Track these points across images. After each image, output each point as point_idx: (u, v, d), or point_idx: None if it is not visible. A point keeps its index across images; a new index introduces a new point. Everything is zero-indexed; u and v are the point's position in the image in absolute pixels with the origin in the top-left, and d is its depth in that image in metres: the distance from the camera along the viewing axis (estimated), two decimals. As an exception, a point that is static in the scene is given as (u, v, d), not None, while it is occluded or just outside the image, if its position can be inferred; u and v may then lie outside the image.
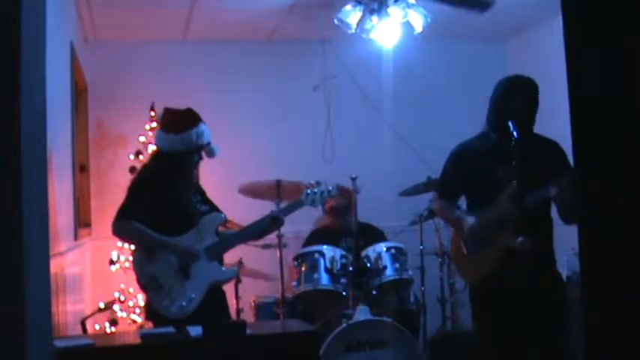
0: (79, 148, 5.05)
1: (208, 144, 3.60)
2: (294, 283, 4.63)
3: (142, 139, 5.42)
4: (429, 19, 4.44)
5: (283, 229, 4.24)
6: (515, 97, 3.19)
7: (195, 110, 3.63)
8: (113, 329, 5.01)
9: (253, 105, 6.09)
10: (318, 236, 5.17)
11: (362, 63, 5.82)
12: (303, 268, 4.62)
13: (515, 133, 3.01)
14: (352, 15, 4.45)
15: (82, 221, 5.11)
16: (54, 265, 3.25)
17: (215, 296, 3.59)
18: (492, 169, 3.24)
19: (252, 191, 4.74)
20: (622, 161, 1.22)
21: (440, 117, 6.12)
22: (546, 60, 4.83)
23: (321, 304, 4.65)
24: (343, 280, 4.51)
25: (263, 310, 4.83)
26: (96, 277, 5.55)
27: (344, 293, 4.49)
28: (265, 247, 4.76)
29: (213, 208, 3.72)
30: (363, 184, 4.64)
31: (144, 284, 3.49)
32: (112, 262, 5.25)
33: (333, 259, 4.57)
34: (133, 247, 3.91)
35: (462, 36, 6.20)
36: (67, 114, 4.40)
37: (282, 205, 4.14)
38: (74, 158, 4.60)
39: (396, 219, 5.42)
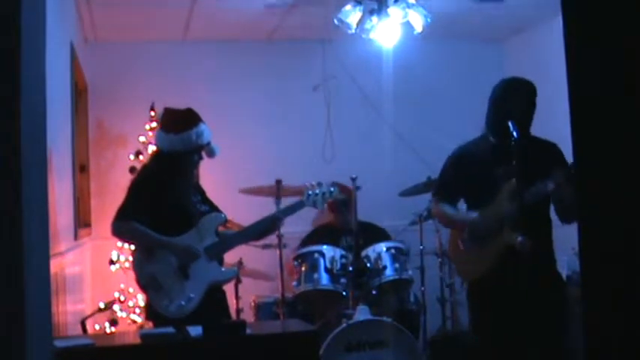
0: (79, 148, 5.05)
1: (208, 144, 3.61)
2: (294, 283, 4.63)
3: (142, 139, 5.42)
4: (429, 19, 4.44)
5: (283, 229, 4.24)
6: (513, 99, 3.19)
7: (195, 110, 3.63)
8: (113, 329, 5.01)
9: (253, 105, 6.09)
10: (317, 235, 5.17)
11: (362, 63, 5.81)
12: (303, 268, 4.62)
13: (515, 134, 3.01)
14: (352, 15, 4.45)
15: (82, 221, 5.11)
16: (54, 265, 3.25)
17: (215, 296, 3.59)
18: (491, 171, 3.24)
19: (252, 193, 4.74)
20: (622, 161, 1.22)
21: (440, 117, 6.12)
22: (546, 60, 4.83)
23: (321, 304, 4.65)
24: (343, 280, 4.51)
25: (263, 310, 4.83)
26: (96, 277, 5.55)
27: (344, 293, 4.49)
28: (265, 247, 4.76)
29: (213, 208, 3.72)
30: (363, 184, 4.64)
31: (143, 284, 3.49)
32: (112, 262, 5.25)
33: (333, 259, 4.57)
34: (132, 247, 3.91)
35: (461, 36, 6.20)
36: (67, 114, 4.39)
37: (283, 205, 4.13)
38: (74, 158, 4.60)
39: (396, 219, 5.42)
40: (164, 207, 3.50)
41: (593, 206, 1.30)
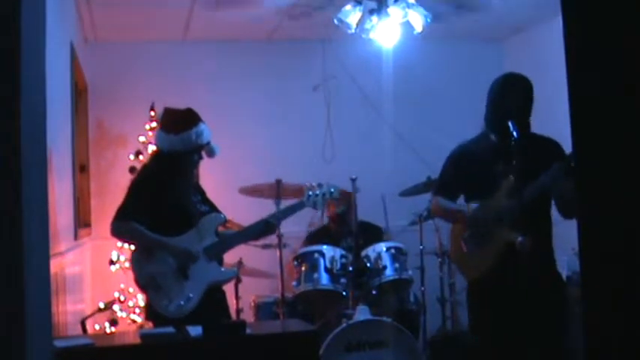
0: (79, 148, 5.05)
1: (208, 144, 3.61)
2: (294, 283, 4.63)
3: (142, 139, 5.42)
4: (428, 19, 4.44)
5: (283, 229, 4.24)
6: (511, 94, 3.19)
7: (195, 110, 3.63)
8: (113, 329, 5.01)
9: (253, 105, 6.09)
10: (318, 236, 5.17)
11: (362, 63, 5.82)
12: (303, 268, 4.62)
13: (514, 133, 3.01)
14: (352, 15, 4.45)
15: (82, 221, 5.11)
16: (54, 265, 3.25)
17: (215, 296, 3.59)
18: (491, 169, 3.24)
19: (252, 192, 4.74)
20: (622, 161, 1.22)
21: (440, 117, 6.12)
22: (545, 60, 4.83)
23: (321, 304, 4.65)
24: (343, 280, 4.51)
25: (263, 310, 4.83)
26: (96, 277, 5.55)
27: (344, 293, 4.49)
28: (265, 246, 4.76)
29: (213, 209, 3.72)
30: (363, 184, 4.64)
31: (143, 284, 3.49)
32: (111, 262, 5.25)
33: (333, 259, 4.57)
34: (132, 247, 3.91)
35: (461, 36, 6.20)
36: (67, 114, 4.39)
37: (283, 205, 4.13)
38: (74, 158, 4.60)
39: (396, 219, 5.42)
40: (164, 207, 3.50)
41: (593, 206, 1.30)
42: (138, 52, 5.95)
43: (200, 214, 3.62)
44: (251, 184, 4.73)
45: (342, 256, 4.60)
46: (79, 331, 4.17)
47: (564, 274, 4.05)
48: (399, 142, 6.03)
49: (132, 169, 5.12)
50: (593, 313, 1.30)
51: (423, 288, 4.99)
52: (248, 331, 3.01)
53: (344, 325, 4.14)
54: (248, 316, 4.84)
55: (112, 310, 5.05)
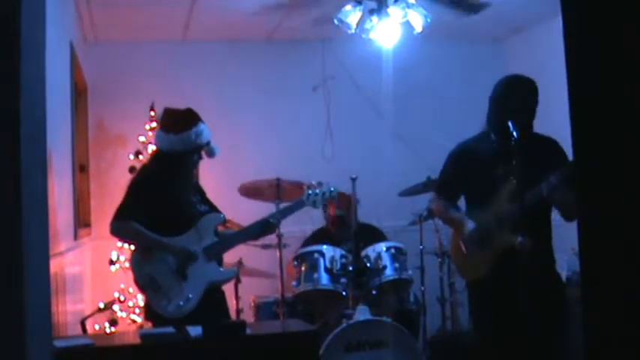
0: (79, 148, 5.05)
1: (208, 144, 3.61)
2: (294, 283, 4.63)
3: (141, 139, 5.42)
4: (428, 19, 4.44)
5: (283, 229, 4.24)
6: (515, 96, 3.18)
7: (195, 110, 3.63)
8: (113, 329, 5.01)
9: (253, 105, 6.09)
10: (318, 237, 5.17)
11: (362, 63, 5.82)
12: (303, 268, 4.62)
13: (514, 134, 3.00)
14: (352, 15, 4.45)
15: (81, 221, 5.10)
16: (54, 265, 3.25)
17: (214, 296, 3.59)
18: (492, 168, 3.24)
19: (252, 191, 4.74)
20: (622, 161, 1.22)
21: (440, 117, 6.12)
22: (545, 60, 4.83)
23: (321, 304, 4.65)
24: (343, 280, 4.51)
25: (263, 310, 4.82)
26: (96, 277, 5.55)
27: (344, 293, 4.49)
28: (265, 247, 4.76)
29: (213, 208, 3.72)
30: (363, 184, 4.64)
31: (142, 284, 3.49)
32: (111, 262, 5.25)
33: (333, 259, 4.57)
34: (132, 247, 3.92)
35: (461, 36, 6.20)
36: (67, 114, 4.39)
37: (283, 205, 4.13)
38: (74, 158, 4.60)
39: (396, 219, 5.42)
40: (163, 207, 3.50)
41: (593, 206, 1.30)
42: (138, 52, 5.95)
43: (199, 214, 3.62)
44: (251, 182, 4.73)
45: (342, 256, 4.60)
46: (79, 331, 4.17)
47: (564, 274, 4.05)
48: (398, 142, 6.03)
49: (132, 169, 5.12)
50: (593, 313, 1.30)
51: (423, 288, 4.99)
52: (248, 331, 3.01)
53: (344, 325, 4.14)
54: (248, 316, 4.84)
55: (112, 310, 5.05)
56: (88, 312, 4.68)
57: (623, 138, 1.22)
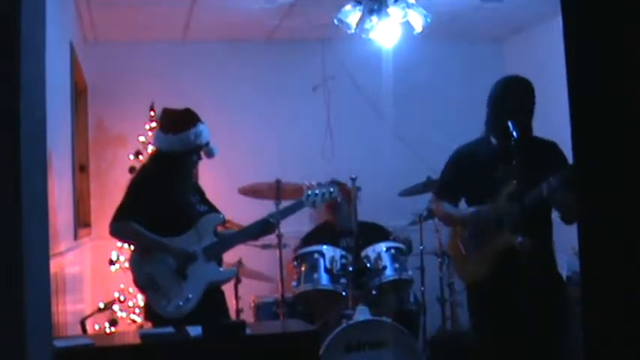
0: (79, 148, 5.05)
1: (207, 144, 3.61)
2: (294, 283, 4.63)
3: (141, 139, 5.42)
4: (428, 19, 4.44)
5: (283, 229, 4.24)
6: (512, 97, 3.18)
7: (194, 110, 3.63)
8: (113, 329, 5.01)
9: (253, 105, 6.09)
10: (317, 235, 5.16)
11: (362, 63, 5.81)
12: (302, 268, 4.62)
13: (514, 134, 3.00)
14: (352, 15, 4.45)
15: (81, 221, 5.11)
16: (54, 265, 3.25)
17: (214, 296, 3.59)
18: (492, 170, 3.23)
19: (252, 192, 4.73)
20: (622, 161, 1.22)
21: (440, 117, 6.12)
22: (545, 60, 4.83)
23: (321, 304, 4.65)
24: (343, 280, 4.51)
25: (263, 310, 4.82)
26: (96, 277, 5.55)
27: (344, 293, 4.49)
28: (265, 247, 4.76)
29: (212, 209, 3.72)
30: (363, 184, 4.64)
31: (141, 285, 3.49)
32: (111, 262, 5.25)
33: (332, 259, 4.57)
34: (132, 247, 3.92)
35: (461, 36, 6.20)
36: (67, 114, 4.39)
37: (282, 205, 4.13)
38: (74, 158, 4.60)
39: (396, 219, 5.42)
40: (163, 207, 3.50)
41: (593, 206, 1.30)
42: (138, 52, 5.95)
43: (199, 214, 3.62)
44: (251, 184, 4.73)
45: (342, 257, 4.60)
46: (78, 331, 4.17)
47: (564, 274, 4.04)
48: (398, 142, 6.03)
49: (132, 169, 5.12)
50: (593, 313, 1.30)
51: (422, 288, 4.99)
52: (248, 331, 3.01)
53: (344, 325, 4.14)
54: (248, 316, 4.84)
55: (112, 310, 5.05)
56: (88, 312, 4.68)
57: (623, 138, 1.22)
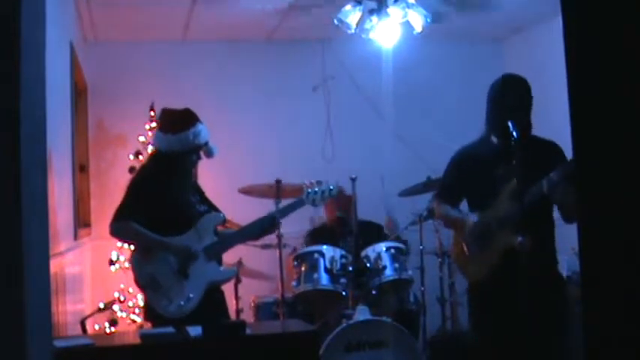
0: (78, 148, 5.05)
1: (206, 144, 3.61)
2: (294, 283, 4.63)
3: (141, 139, 5.42)
4: (428, 19, 4.44)
5: (283, 229, 4.24)
6: (512, 93, 3.19)
7: (193, 110, 3.63)
8: (113, 329, 5.01)
9: (253, 105, 6.09)
10: (317, 235, 5.17)
11: (362, 63, 5.81)
12: (302, 268, 4.62)
13: (514, 133, 3.01)
14: (352, 15, 4.45)
15: (81, 221, 5.11)
16: (54, 265, 3.25)
17: (214, 296, 3.59)
18: (493, 170, 3.24)
19: (252, 192, 4.73)
20: (622, 161, 1.22)
21: (440, 117, 6.12)
22: (545, 60, 4.83)
23: (321, 304, 4.65)
24: (343, 280, 4.51)
25: (263, 310, 4.82)
26: (96, 277, 5.55)
27: (344, 293, 4.49)
28: (265, 247, 4.76)
29: (212, 208, 3.72)
30: (363, 184, 4.64)
31: (142, 284, 3.49)
32: (111, 262, 5.25)
33: (332, 259, 4.57)
34: (132, 247, 3.92)
35: (461, 36, 6.20)
36: (67, 114, 4.40)
37: (282, 204, 4.13)
38: (74, 158, 4.60)
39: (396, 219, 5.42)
40: (162, 207, 3.50)
41: (593, 206, 1.30)
42: (138, 52, 5.95)
43: (199, 214, 3.62)
44: (251, 184, 4.73)
45: (342, 256, 4.60)
46: (78, 331, 4.17)
47: (564, 274, 4.04)
48: (398, 142, 6.03)
49: (132, 169, 5.12)
50: (593, 313, 1.30)
51: (422, 288, 4.98)
52: (248, 331, 3.01)
53: (344, 325, 4.14)
54: (248, 316, 4.84)
55: (112, 310, 5.05)
56: (88, 312, 4.68)
57: (623, 138, 1.22)
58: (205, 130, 3.60)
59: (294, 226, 4.85)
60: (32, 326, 1.35)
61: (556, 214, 3.25)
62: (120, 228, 3.48)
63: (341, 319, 4.29)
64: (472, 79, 5.75)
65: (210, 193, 3.84)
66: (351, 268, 4.46)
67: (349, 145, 6.12)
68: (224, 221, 3.76)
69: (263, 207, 4.19)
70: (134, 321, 5.13)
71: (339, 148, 6.13)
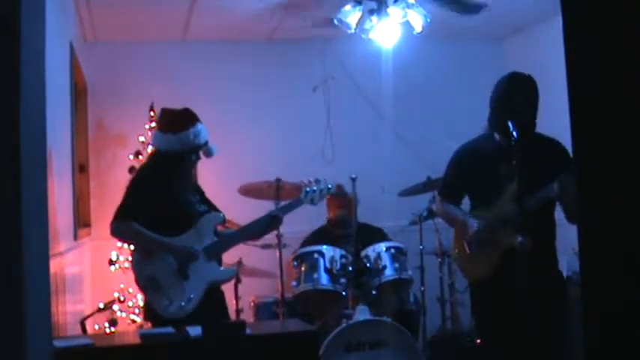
0: (78, 148, 5.05)
1: (206, 143, 3.60)
2: (294, 283, 4.63)
3: (141, 139, 5.42)
4: (428, 19, 4.44)
5: (283, 229, 4.24)
6: (518, 92, 3.18)
7: (193, 110, 3.63)
8: (113, 329, 5.01)
9: (253, 105, 6.09)
10: (317, 235, 5.16)
11: (362, 63, 5.81)
12: (302, 268, 4.62)
13: (514, 133, 3.00)
14: (352, 15, 4.45)
15: (81, 221, 5.10)
16: (54, 265, 3.25)
17: (214, 296, 3.58)
18: (495, 170, 3.23)
19: (252, 191, 4.73)
20: (622, 161, 1.22)
21: (440, 117, 6.12)
22: (546, 59, 4.83)
23: (321, 304, 4.65)
24: (343, 280, 4.51)
25: (263, 310, 4.83)
26: (95, 277, 5.55)
27: (344, 293, 4.49)
28: (265, 247, 4.76)
29: (212, 208, 3.72)
30: (363, 184, 4.64)
31: (143, 285, 3.49)
32: (111, 263, 5.25)
33: (332, 259, 4.57)
34: (132, 247, 3.92)
35: (461, 36, 6.20)
36: (67, 114, 4.39)
37: (282, 204, 4.13)
38: (74, 158, 4.60)
39: (396, 219, 5.42)
40: (162, 207, 3.50)
41: (593, 206, 1.30)
42: (138, 52, 5.95)
43: (199, 214, 3.61)
44: (250, 184, 4.73)
45: (341, 256, 4.60)
46: (78, 331, 4.17)
47: (564, 274, 4.04)
48: (398, 142, 6.04)
49: (132, 169, 5.12)
50: (593, 313, 1.30)
51: (422, 288, 4.98)
52: (248, 331, 3.01)
53: (344, 325, 4.14)
54: (248, 316, 4.84)
55: (112, 310, 5.05)
56: (87, 312, 4.67)
57: (623, 138, 1.22)
58: (205, 130, 3.60)
59: (294, 226, 4.85)
60: (32, 326, 1.35)
61: (557, 214, 3.25)
62: (120, 228, 3.48)
63: (341, 319, 4.29)
64: (472, 79, 5.78)
65: (210, 193, 3.84)
66: (351, 268, 4.46)
67: (349, 145, 6.11)
68: (224, 221, 3.76)
69: (263, 206, 4.19)
70: (134, 321, 5.13)
71: (339, 148, 6.13)
